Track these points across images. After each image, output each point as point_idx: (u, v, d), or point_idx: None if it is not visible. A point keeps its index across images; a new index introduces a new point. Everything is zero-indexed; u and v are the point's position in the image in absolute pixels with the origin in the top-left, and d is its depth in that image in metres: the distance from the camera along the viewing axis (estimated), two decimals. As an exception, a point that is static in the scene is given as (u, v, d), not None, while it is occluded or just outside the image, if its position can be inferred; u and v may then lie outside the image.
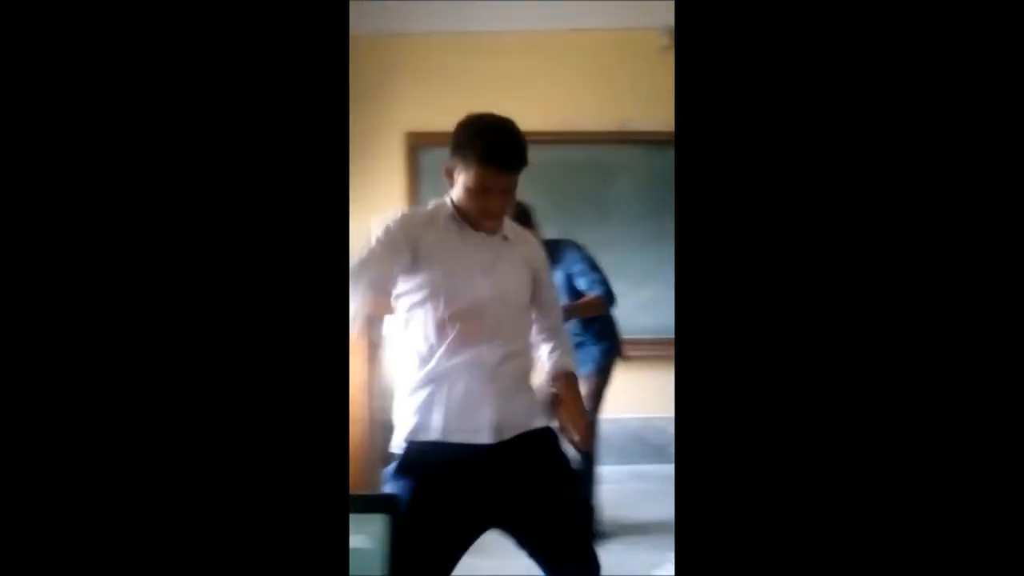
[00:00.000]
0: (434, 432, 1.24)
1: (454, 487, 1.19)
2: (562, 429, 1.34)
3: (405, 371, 1.30)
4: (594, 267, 2.43)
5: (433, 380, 1.26)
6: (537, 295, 1.41)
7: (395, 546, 0.48)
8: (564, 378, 1.38)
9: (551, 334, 1.45)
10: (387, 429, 3.54)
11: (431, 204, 1.39)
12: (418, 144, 3.51)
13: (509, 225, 1.39)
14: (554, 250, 2.38)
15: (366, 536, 0.54)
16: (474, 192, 1.28)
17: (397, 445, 1.26)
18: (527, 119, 3.72)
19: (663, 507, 2.55)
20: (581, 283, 2.41)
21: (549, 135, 3.39)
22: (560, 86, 3.47)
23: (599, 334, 2.49)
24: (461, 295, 1.27)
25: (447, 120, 3.76)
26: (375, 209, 3.70)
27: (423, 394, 1.27)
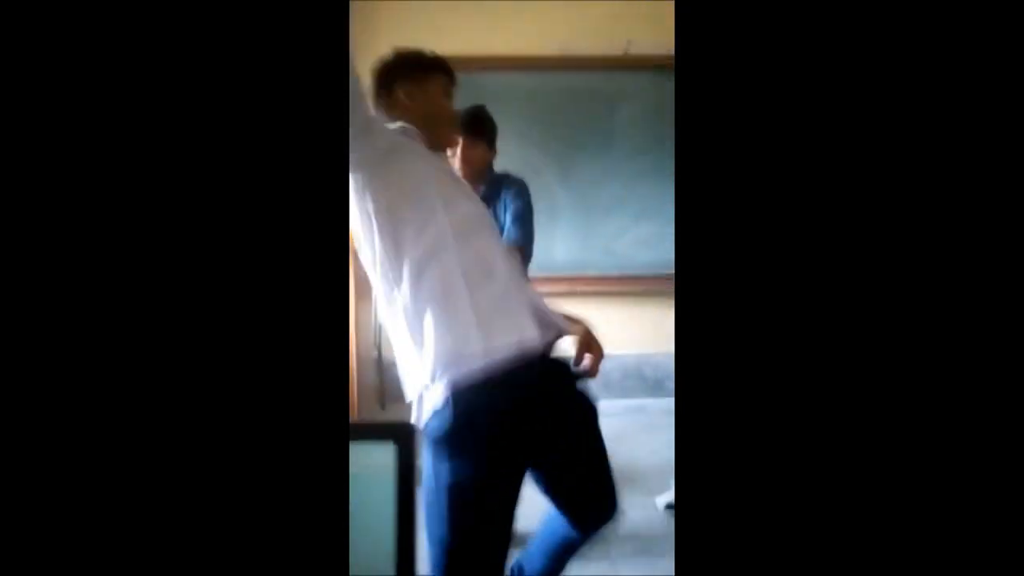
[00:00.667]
0: (479, 355, 1.05)
1: (502, 441, 1.08)
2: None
3: (430, 311, 1.09)
4: (524, 213, 1.99)
5: (461, 302, 1.07)
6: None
7: (403, 474, 0.47)
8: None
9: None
10: (379, 366, 3.49)
11: (393, 127, 1.23)
12: (410, 69, 3.34)
13: None
14: (497, 184, 2.02)
15: (373, 466, 0.52)
16: (439, 101, 1.30)
17: (430, 400, 1.09)
18: (524, 44, 3.57)
19: (663, 438, 2.65)
20: (508, 227, 1.96)
21: (547, 60, 3.24)
22: (559, 8, 3.27)
23: None
24: (459, 207, 1.15)
25: (439, 46, 3.58)
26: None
27: (456, 323, 1.07)
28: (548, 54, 3.22)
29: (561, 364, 1.25)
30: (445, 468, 1.06)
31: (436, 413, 1.07)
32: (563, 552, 1.32)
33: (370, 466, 0.51)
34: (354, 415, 2.37)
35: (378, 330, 2.96)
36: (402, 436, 0.51)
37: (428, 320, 1.07)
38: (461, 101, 3.97)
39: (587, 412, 1.27)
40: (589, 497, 1.28)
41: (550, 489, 1.25)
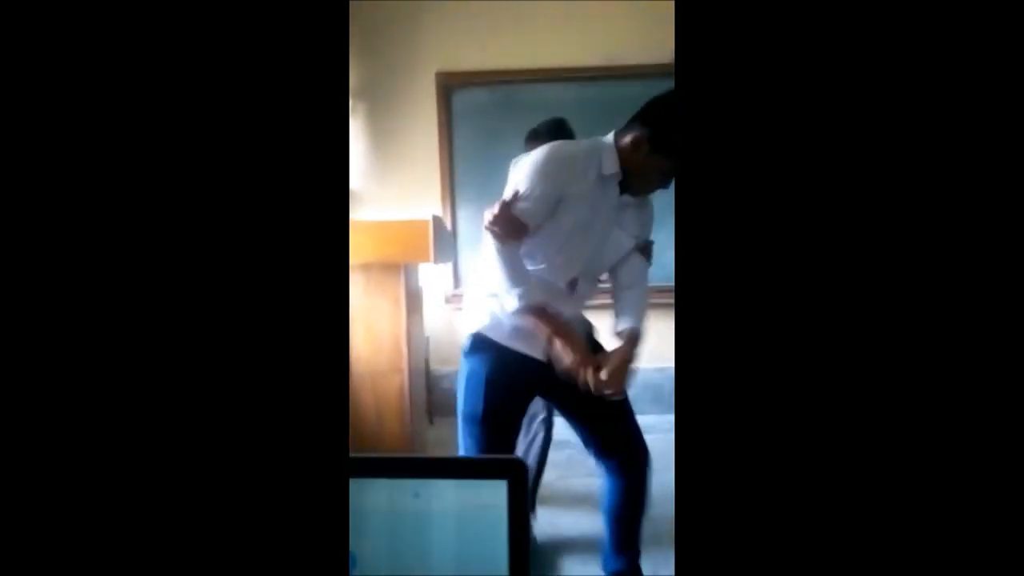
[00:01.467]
0: (501, 338, 1.46)
1: (515, 375, 1.45)
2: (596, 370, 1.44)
3: (503, 273, 1.41)
4: None
5: (518, 299, 1.40)
6: (628, 256, 1.58)
7: (516, 512, 0.49)
8: (626, 334, 1.49)
9: (629, 291, 1.58)
10: (429, 379, 3.48)
11: (588, 145, 1.47)
12: (450, 84, 3.35)
13: None
14: None
15: (484, 504, 0.51)
16: (662, 173, 1.42)
17: (472, 327, 1.51)
18: (565, 55, 3.54)
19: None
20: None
21: (590, 71, 3.23)
22: (599, 19, 3.26)
23: None
24: (574, 254, 1.46)
25: (480, 59, 3.60)
26: (409, 152, 3.59)
27: (503, 305, 1.42)
28: (593, 64, 3.21)
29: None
30: (467, 365, 1.51)
31: (471, 336, 1.51)
32: (624, 511, 1.55)
33: (481, 505, 0.50)
34: (405, 431, 2.37)
35: (427, 345, 2.97)
36: (514, 473, 0.49)
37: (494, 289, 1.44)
38: (506, 114, 3.93)
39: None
40: (618, 440, 1.53)
41: (582, 428, 1.55)
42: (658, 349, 3.38)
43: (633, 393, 3.25)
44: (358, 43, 3.31)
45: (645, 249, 1.71)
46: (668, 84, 3.19)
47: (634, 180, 1.44)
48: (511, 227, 1.37)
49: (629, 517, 1.54)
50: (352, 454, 0.53)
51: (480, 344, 1.49)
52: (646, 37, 3.16)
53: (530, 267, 1.43)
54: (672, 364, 2.62)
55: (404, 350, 2.25)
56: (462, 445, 1.52)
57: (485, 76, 3.28)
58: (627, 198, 1.48)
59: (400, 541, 0.50)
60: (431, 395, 3.11)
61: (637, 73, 3.14)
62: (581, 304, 1.56)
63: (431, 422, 3.08)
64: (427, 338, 2.94)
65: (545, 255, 1.44)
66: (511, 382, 1.47)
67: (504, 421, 1.50)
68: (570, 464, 2.60)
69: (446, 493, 0.50)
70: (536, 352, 1.43)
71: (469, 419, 1.49)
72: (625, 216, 1.51)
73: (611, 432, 1.53)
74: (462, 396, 1.51)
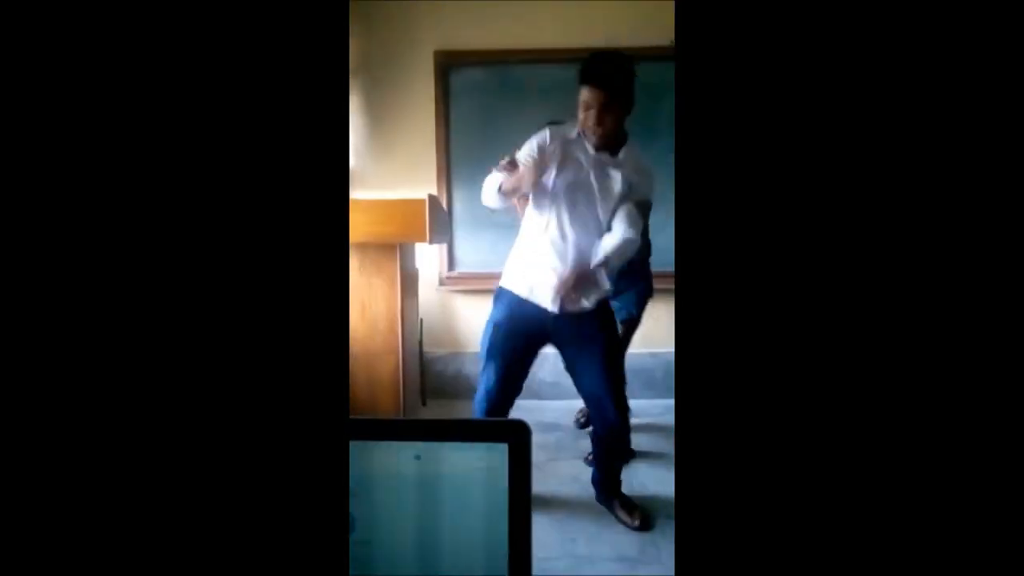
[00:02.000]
0: (519, 289, 1.86)
1: (522, 323, 1.84)
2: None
3: (525, 240, 1.87)
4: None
5: (533, 254, 1.83)
6: (621, 208, 1.83)
7: (517, 474, 0.50)
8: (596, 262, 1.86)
9: (611, 229, 1.85)
10: (422, 362, 3.47)
11: (568, 124, 1.85)
12: (448, 63, 3.32)
13: (628, 150, 1.83)
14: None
15: (486, 468, 0.51)
16: (580, 108, 1.75)
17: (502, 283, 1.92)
18: (564, 36, 3.50)
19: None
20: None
21: (589, 52, 3.19)
22: (598, 0, 3.22)
23: (633, 280, 2.42)
24: (569, 204, 1.78)
25: (478, 38, 3.57)
26: (405, 131, 3.54)
27: (522, 262, 1.86)
28: (591, 45, 3.18)
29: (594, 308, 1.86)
30: (492, 313, 1.92)
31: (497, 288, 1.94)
32: (598, 447, 2.03)
33: (482, 468, 0.49)
34: (398, 412, 2.37)
35: (421, 326, 2.96)
36: (516, 435, 0.49)
37: (522, 244, 1.91)
38: (504, 94, 3.88)
39: (597, 342, 1.87)
40: (596, 398, 1.91)
41: (576, 379, 1.94)
42: (651, 334, 3.40)
43: (626, 377, 3.24)
44: (355, 21, 3.27)
45: (641, 206, 1.90)
46: (666, 66, 3.17)
47: (582, 127, 1.76)
48: (511, 169, 1.71)
49: (605, 457, 2.04)
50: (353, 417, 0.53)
51: (498, 295, 1.91)
52: (645, 19, 3.13)
53: (539, 218, 1.81)
54: (664, 349, 2.70)
55: (399, 331, 2.24)
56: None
57: (483, 55, 3.25)
58: (606, 156, 1.79)
59: (401, 504, 0.50)
60: (424, 377, 3.11)
61: (636, 55, 3.11)
62: (584, 256, 1.80)
63: (424, 403, 3.08)
64: (421, 320, 2.93)
65: (551, 203, 1.77)
66: (515, 329, 1.85)
67: (508, 360, 1.88)
68: (559, 447, 2.68)
69: (447, 456, 0.49)
70: (547, 303, 1.81)
71: (481, 356, 1.91)
72: (620, 169, 1.80)
73: (592, 393, 1.91)
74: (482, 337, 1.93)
